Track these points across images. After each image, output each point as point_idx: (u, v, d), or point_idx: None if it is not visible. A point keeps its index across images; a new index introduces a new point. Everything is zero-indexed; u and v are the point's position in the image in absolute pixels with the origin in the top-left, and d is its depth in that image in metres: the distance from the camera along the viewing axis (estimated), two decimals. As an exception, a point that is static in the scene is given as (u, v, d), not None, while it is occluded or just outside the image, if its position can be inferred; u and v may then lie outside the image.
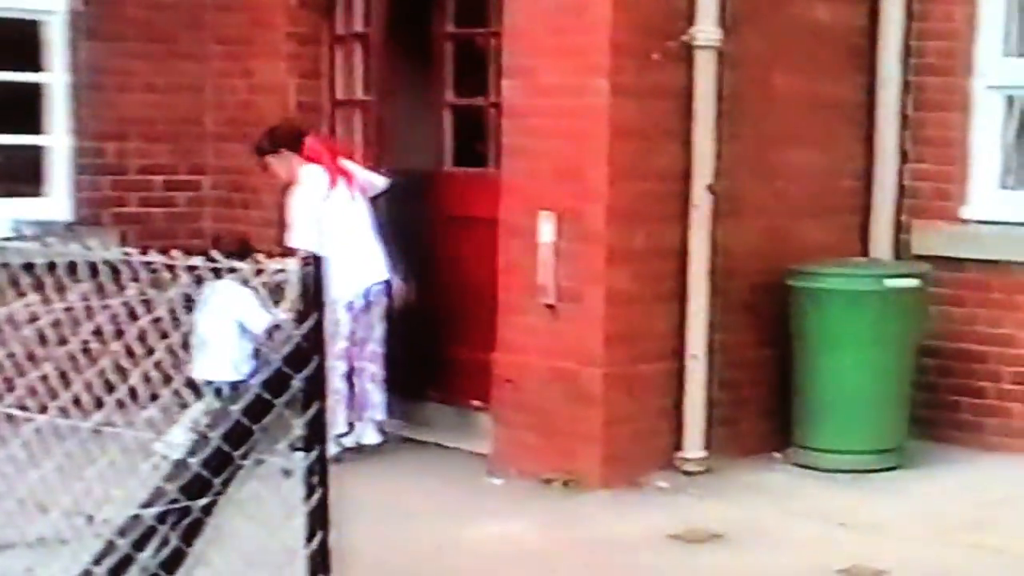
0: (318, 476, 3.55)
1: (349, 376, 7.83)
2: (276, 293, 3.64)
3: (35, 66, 8.73)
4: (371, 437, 7.94)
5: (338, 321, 7.65)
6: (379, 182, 8.13)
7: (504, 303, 7.60)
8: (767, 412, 7.77)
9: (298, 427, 3.49)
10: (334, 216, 7.70)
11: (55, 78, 8.73)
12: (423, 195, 8.57)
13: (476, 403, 7.99)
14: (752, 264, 7.68)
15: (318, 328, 3.48)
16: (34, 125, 8.78)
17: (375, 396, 7.92)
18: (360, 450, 7.88)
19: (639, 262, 7.30)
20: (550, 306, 7.37)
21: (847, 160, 8.15)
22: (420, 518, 6.77)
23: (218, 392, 7.33)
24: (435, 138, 8.60)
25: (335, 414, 7.64)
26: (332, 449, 7.63)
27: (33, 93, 8.75)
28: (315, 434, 3.55)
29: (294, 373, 3.45)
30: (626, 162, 7.18)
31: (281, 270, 3.44)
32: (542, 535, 6.60)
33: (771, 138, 7.73)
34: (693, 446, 7.48)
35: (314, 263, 3.46)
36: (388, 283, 7.92)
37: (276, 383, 3.45)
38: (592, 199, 7.19)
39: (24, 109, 8.84)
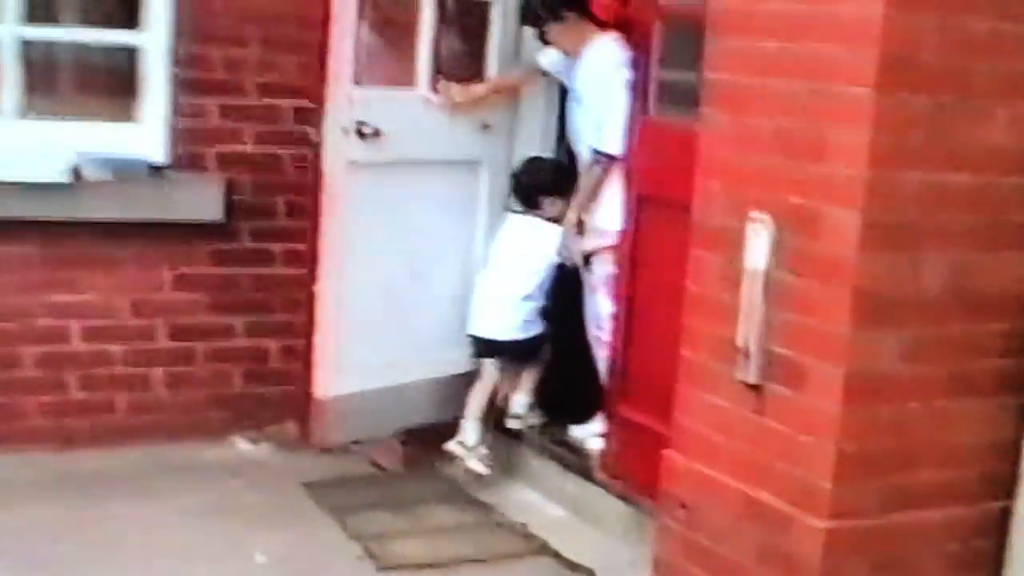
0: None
1: None
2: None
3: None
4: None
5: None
6: None
7: (687, 365, 4.29)
8: None
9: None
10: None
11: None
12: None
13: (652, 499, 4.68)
14: None
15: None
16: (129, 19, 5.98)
17: None
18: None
19: (925, 318, 3.82)
20: (753, 387, 4.01)
21: None
22: None
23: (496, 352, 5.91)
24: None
25: None
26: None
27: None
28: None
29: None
30: (910, 125, 3.69)
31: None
32: None
33: None
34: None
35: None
36: None
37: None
38: (834, 194, 3.74)
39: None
